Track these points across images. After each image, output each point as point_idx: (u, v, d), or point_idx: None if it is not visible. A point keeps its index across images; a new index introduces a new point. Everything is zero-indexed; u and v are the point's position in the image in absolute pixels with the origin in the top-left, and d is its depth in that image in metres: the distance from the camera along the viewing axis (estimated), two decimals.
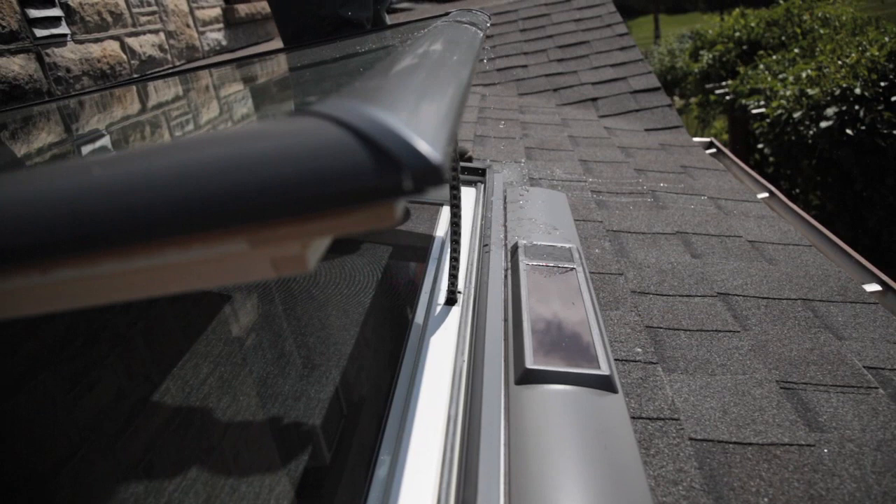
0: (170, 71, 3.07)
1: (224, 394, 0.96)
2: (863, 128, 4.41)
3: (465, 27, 0.79)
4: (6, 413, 0.83)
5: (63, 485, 0.75)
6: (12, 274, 0.22)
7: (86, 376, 0.92)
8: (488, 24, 1.00)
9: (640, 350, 1.12)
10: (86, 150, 0.89)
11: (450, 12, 1.30)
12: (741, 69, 7.26)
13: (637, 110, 2.99)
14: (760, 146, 5.86)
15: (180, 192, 0.21)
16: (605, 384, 0.91)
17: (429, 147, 0.22)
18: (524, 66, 3.57)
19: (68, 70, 2.77)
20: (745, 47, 8.11)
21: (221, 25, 4.40)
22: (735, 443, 0.90)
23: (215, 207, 0.21)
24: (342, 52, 1.26)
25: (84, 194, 0.22)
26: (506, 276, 1.24)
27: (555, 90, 3.30)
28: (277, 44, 4.04)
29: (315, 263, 0.24)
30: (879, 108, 4.40)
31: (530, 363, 0.93)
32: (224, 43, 4.41)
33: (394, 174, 0.21)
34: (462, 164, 1.80)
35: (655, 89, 3.13)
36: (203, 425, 0.89)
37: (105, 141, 0.96)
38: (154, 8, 3.53)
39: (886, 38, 4.90)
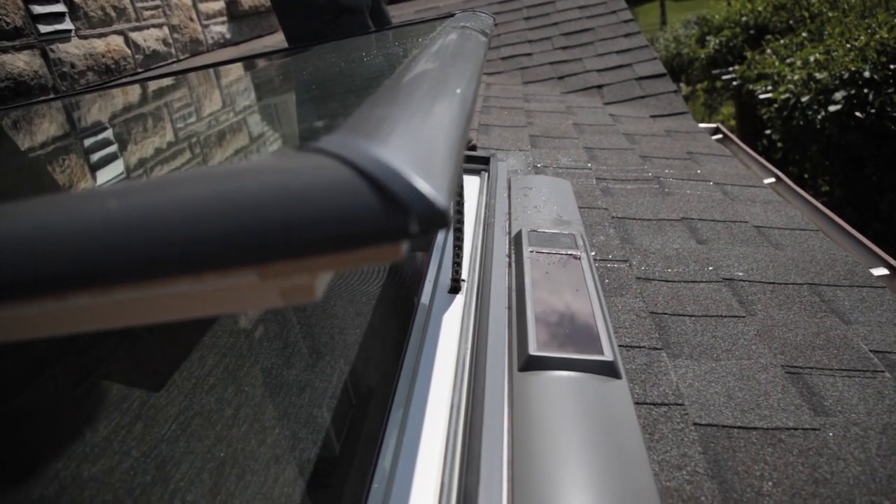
0: (175, 70, 3.07)
1: (229, 383, 0.96)
2: (872, 111, 4.34)
3: (469, 33, 0.78)
4: (8, 411, 0.84)
5: (68, 481, 0.76)
6: (31, 302, 0.23)
7: (91, 371, 0.93)
8: (493, 27, 1.00)
9: (644, 336, 1.12)
10: (93, 147, 0.89)
11: (454, 13, 1.30)
12: (748, 54, 7.17)
13: (642, 97, 2.97)
14: (768, 132, 5.79)
15: (194, 230, 0.22)
16: (608, 370, 0.91)
17: (434, 192, 0.23)
18: (528, 55, 3.55)
19: (73, 65, 2.78)
20: (752, 32, 8.01)
21: (225, 18, 4.40)
22: (740, 427, 0.90)
23: (227, 247, 0.22)
24: (346, 59, 1.25)
25: (100, 229, 0.23)
26: (509, 264, 1.24)
27: (559, 78, 3.28)
28: (281, 36, 4.02)
29: (322, 292, 0.25)
30: (889, 90, 4.33)
31: (534, 350, 0.93)
32: (228, 36, 4.41)
33: (401, 218, 0.22)
34: (466, 152, 1.80)
35: (661, 75, 3.10)
36: (207, 414, 0.90)
37: (113, 139, 0.97)
38: (157, 2, 3.53)
39: None
